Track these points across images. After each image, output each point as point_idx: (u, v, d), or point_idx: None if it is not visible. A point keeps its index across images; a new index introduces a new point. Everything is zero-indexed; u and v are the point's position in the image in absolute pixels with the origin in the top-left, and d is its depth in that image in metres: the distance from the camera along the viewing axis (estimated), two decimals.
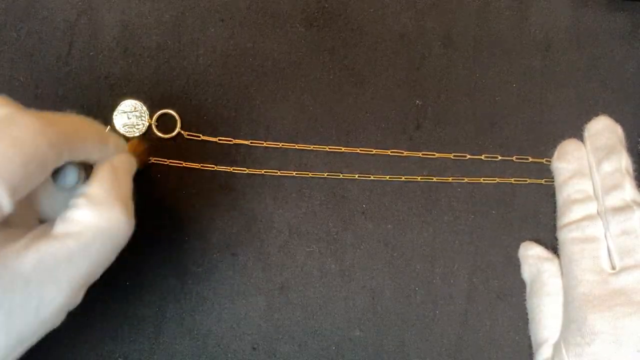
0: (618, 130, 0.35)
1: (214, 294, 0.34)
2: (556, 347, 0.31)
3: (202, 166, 0.35)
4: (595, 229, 0.32)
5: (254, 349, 0.34)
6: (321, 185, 0.36)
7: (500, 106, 0.37)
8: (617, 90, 0.37)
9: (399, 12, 0.37)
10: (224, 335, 0.34)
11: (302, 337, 0.34)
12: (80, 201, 0.24)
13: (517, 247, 0.35)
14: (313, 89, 0.36)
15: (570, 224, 0.33)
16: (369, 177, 0.36)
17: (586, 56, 0.37)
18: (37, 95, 0.35)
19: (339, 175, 0.36)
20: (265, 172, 0.35)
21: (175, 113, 0.36)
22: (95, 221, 0.24)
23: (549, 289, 0.33)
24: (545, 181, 0.36)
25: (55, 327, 0.24)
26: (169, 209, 0.35)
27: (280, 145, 0.36)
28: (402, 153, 0.36)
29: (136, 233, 0.35)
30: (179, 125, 0.35)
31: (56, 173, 0.24)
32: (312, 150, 0.36)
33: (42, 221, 0.26)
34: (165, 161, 0.35)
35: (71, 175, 0.24)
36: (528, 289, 0.34)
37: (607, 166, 0.33)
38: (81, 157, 0.25)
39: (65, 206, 0.24)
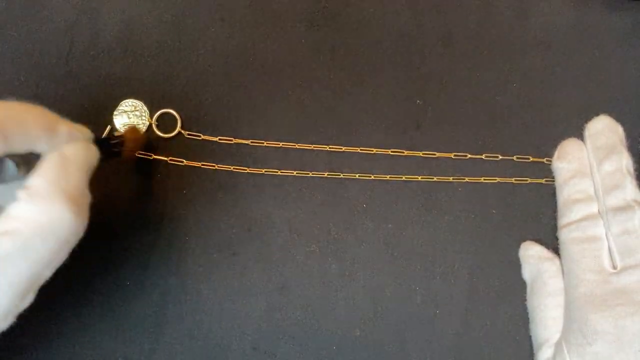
0: (619, 129, 0.35)
1: (214, 294, 0.34)
2: (557, 347, 0.31)
3: (202, 164, 0.35)
4: (596, 228, 0.32)
5: (254, 349, 0.34)
6: (321, 184, 0.36)
7: (500, 106, 0.37)
8: (617, 90, 0.37)
9: (399, 12, 0.37)
10: (224, 335, 0.34)
11: (302, 337, 0.34)
12: (20, 195, 0.22)
13: (518, 247, 0.35)
14: (313, 89, 0.36)
15: (571, 223, 0.33)
16: (370, 176, 0.36)
17: (586, 56, 0.37)
18: (37, 95, 0.36)
19: (340, 175, 0.36)
20: (265, 171, 0.35)
21: (176, 112, 0.36)
22: (35, 216, 0.21)
23: (550, 289, 0.33)
24: (546, 181, 0.36)
25: (2, 330, 0.22)
26: (169, 208, 0.35)
27: (281, 145, 0.36)
28: (403, 153, 0.36)
29: (136, 233, 0.35)
30: (179, 124, 0.35)
31: None
32: (312, 149, 0.36)
33: None
34: (165, 159, 0.35)
35: (9, 168, 0.22)
36: (528, 289, 0.34)
37: (608, 166, 0.33)
38: (22, 147, 0.22)
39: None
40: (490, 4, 0.38)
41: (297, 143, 0.36)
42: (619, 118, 0.35)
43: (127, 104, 0.35)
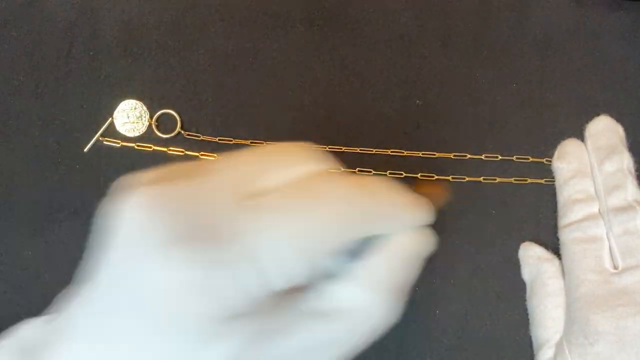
0: (619, 130, 0.35)
1: None
2: (559, 348, 0.31)
3: (201, 154, 0.35)
4: (596, 229, 0.32)
5: None
6: None
7: (500, 106, 0.37)
8: (617, 90, 0.37)
9: (399, 12, 0.37)
10: None
11: None
12: (352, 279, 0.20)
13: (517, 247, 0.35)
14: (313, 89, 0.36)
15: (571, 224, 0.33)
16: None
17: (586, 56, 0.37)
18: (37, 95, 0.36)
19: None
20: None
21: (176, 113, 0.36)
22: (367, 306, 0.20)
23: (549, 290, 0.33)
24: (546, 181, 0.36)
25: None
26: None
27: None
28: (403, 153, 0.36)
29: None
30: (179, 125, 0.35)
31: None
32: None
33: None
34: (164, 150, 0.35)
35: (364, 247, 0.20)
36: (528, 290, 0.34)
37: (609, 166, 0.33)
38: (372, 233, 0.21)
39: (319, 276, 0.20)
40: (491, 3, 0.38)
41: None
42: (619, 118, 0.35)
43: (127, 104, 0.35)
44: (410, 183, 0.36)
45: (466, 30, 0.37)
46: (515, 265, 0.35)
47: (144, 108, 0.36)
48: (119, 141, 0.35)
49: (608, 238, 0.32)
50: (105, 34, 0.36)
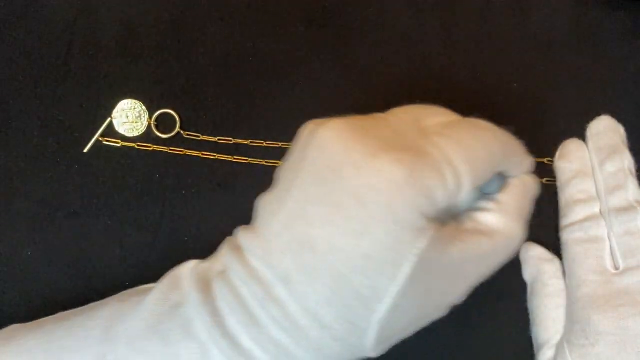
0: (620, 130, 0.34)
1: None
2: (559, 348, 0.31)
3: (202, 154, 0.35)
4: (598, 229, 0.32)
5: None
6: None
7: (501, 106, 0.37)
8: (617, 90, 0.37)
9: (399, 12, 0.37)
10: None
11: None
12: (492, 206, 0.24)
13: None
14: (313, 89, 0.36)
15: (573, 224, 0.33)
16: None
17: (587, 56, 0.37)
18: (36, 95, 0.36)
19: None
20: (266, 162, 0.35)
21: (175, 113, 0.36)
22: (506, 230, 0.24)
23: (550, 290, 0.33)
24: (546, 181, 0.35)
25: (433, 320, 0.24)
26: (169, 207, 0.35)
27: (280, 145, 0.36)
28: None
29: (136, 233, 0.35)
30: (178, 125, 0.35)
31: None
32: None
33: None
34: (165, 150, 0.35)
35: (496, 184, 0.25)
36: (529, 290, 0.34)
37: (610, 166, 0.33)
38: (505, 168, 0.25)
39: (467, 206, 0.24)
40: (491, 3, 0.38)
41: None
42: (619, 118, 0.35)
43: (127, 104, 0.35)
44: None
45: (467, 29, 0.37)
46: (516, 266, 0.35)
47: (144, 108, 0.36)
48: (119, 141, 0.35)
49: (609, 238, 0.32)
50: (104, 34, 0.36)
